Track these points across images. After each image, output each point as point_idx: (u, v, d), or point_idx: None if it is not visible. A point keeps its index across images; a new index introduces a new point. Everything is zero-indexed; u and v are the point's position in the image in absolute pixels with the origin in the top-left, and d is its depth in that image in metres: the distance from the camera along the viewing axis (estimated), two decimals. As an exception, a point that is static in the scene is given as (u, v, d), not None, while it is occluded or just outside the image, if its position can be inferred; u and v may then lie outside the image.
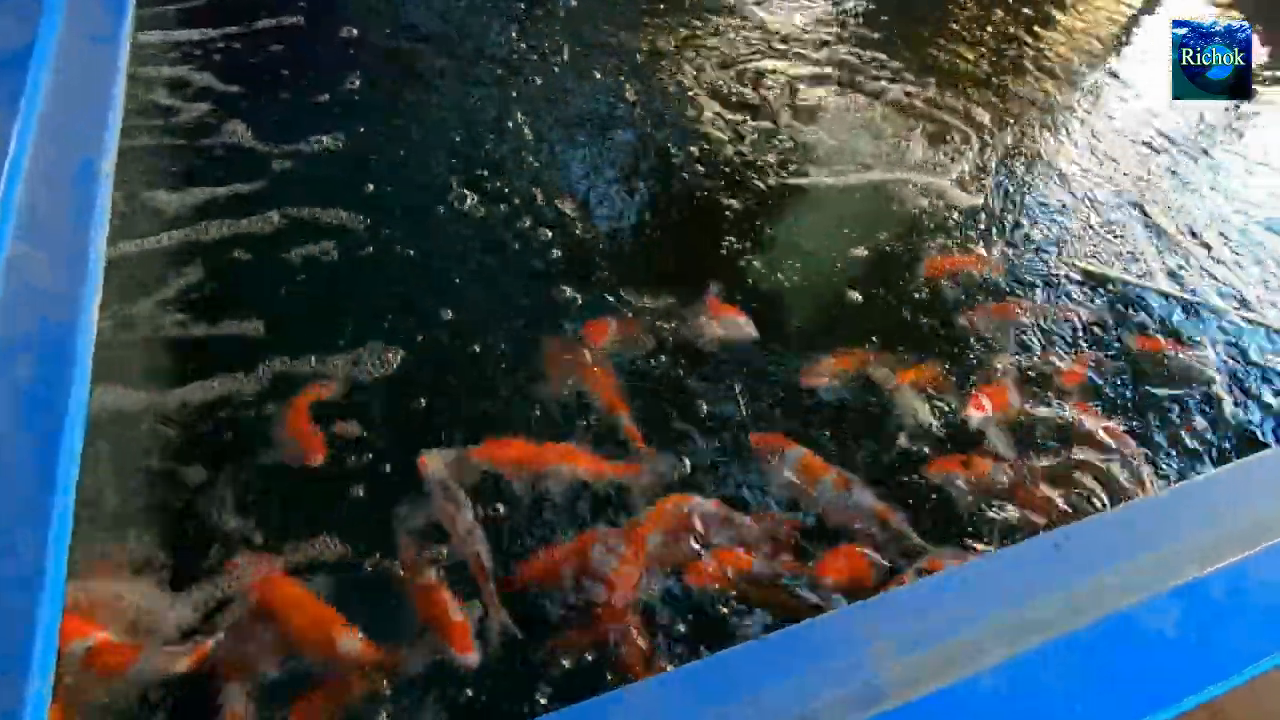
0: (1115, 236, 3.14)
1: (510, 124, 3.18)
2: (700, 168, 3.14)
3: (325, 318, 2.40)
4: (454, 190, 2.85)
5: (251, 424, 2.12)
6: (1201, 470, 2.33)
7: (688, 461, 2.15)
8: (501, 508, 1.99)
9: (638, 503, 2.03)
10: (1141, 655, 1.52)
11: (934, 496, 2.15)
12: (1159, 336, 2.75)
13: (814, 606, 1.84)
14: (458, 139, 3.09)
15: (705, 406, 2.29)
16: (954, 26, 4.28)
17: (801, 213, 3.05)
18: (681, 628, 1.81)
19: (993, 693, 1.42)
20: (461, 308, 2.47)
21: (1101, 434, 2.35)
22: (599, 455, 2.10)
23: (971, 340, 2.61)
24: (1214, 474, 2.07)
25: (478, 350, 2.37)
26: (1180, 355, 2.67)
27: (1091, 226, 3.18)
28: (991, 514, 2.13)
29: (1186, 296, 2.90)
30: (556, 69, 3.51)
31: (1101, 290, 2.89)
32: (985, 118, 3.66)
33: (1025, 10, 4.50)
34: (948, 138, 3.49)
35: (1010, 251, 2.99)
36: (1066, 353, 2.63)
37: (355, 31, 3.48)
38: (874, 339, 2.55)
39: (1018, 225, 3.12)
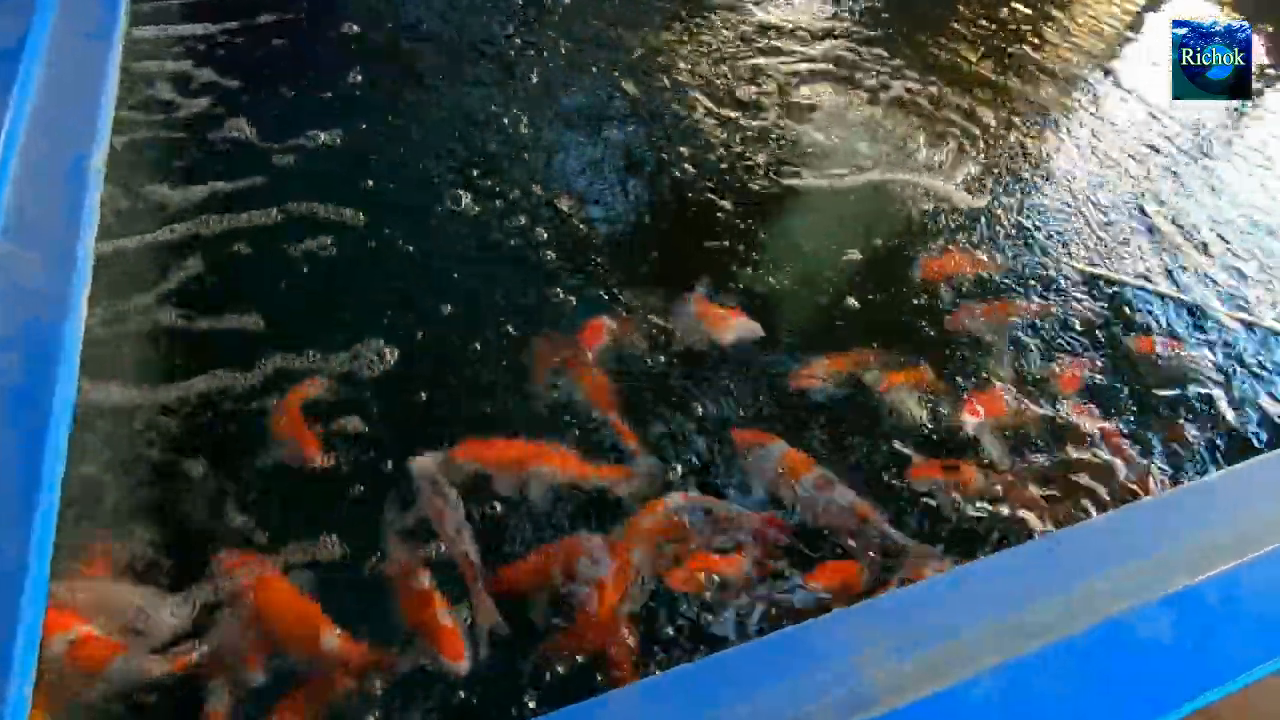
0: (1114, 237, 3.13)
1: (509, 121, 3.17)
2: (698, 167, 3.12)
3: (322, 314, 2.39)
4: (451, 188, 2.84)
5: (243, 420, 2.11)
6: (1199, 474, 2.31)
7: (674, 461, 2.14)
8: (490, 507, 1.98)
9: (624, 504, 2.02)
10: (1136, 661, 1.51)
11: (919, 499, 2.14)
12: (1156, 338, 2.73)
13: (801, 611, 1.83)
14: (456, 135, 3.08)
15: (694, 406, 2.28)
16: (954, 26, 4.26)
17: (797, 213, 3.03)
18: (669, 630, 1.80)
19: (983, 699, 1.41)
20: (456, 306, 2.46)
21: (1097, 437, 2.34)
22: (583, 457, 2.08)
23: (966, 342, 2.60)
24: (1210, 479, 2.05)
25: (471, 349, 2.36)
26: (1178, 357, 2.66)
27: (1091, 227, 3.16)
28: (978, 518, 2.11)
29: (1185, 298, 2.88)
30: (555, 66, 3.50)
31: (1098, 291, 2.88)
32: (985, 118, 3.64)
33: (1026, 10, 4.49)
34: (947, 138, 3.48)
35: (1007, 252, 2.97)
36: (1062, 355, 2.61)
37: (355, 27, 3.47)
38: (868, 340, 2.53)
39: (1015, 226, 3.11)
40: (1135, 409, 2.48)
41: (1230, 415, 2.51)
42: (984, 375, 2.49)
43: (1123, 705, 1.48)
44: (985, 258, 2.91)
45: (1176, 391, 2.56)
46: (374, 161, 2.89)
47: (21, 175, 2.06)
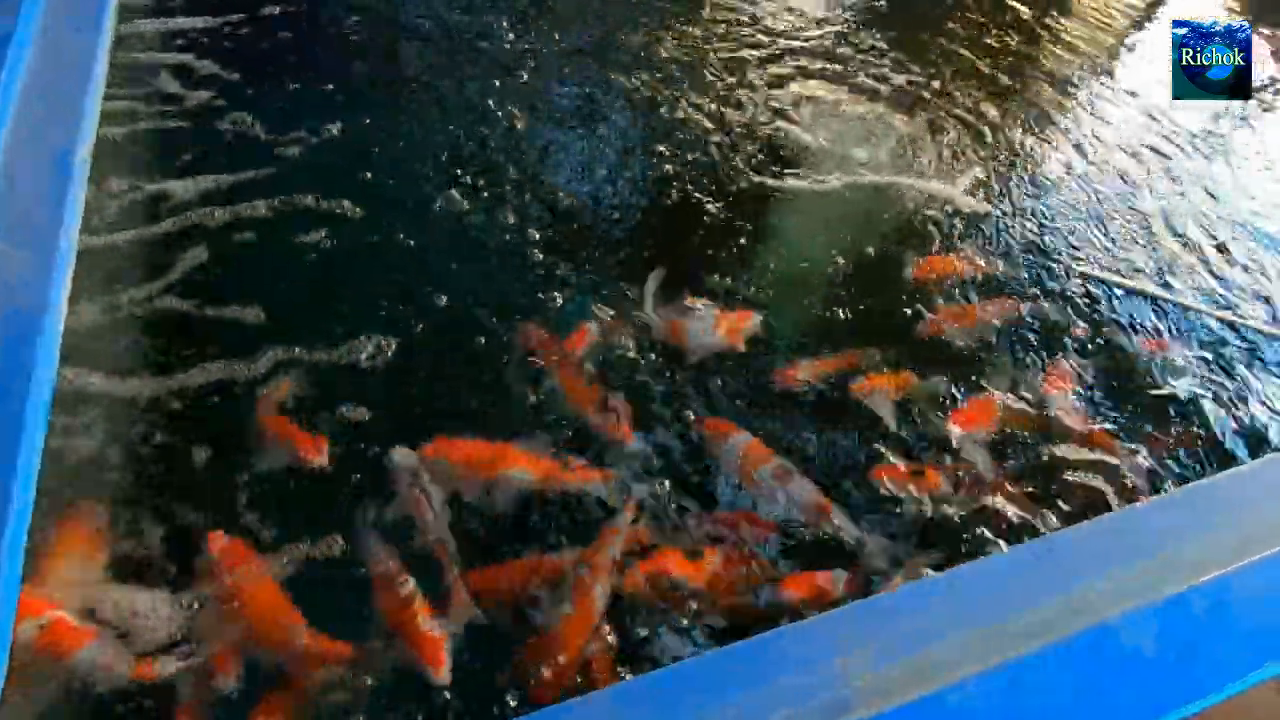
0: (1111, 239, 3.10)
1: (508, 119, 3.15)
2: (696, 167, 3.10)
3: (318, 305, 2.39)
4: (448, 184, 2.83)
5: (231, 413, 2.10)
6: (1188, 479, 2.28)
7: (651, 455, 2.13)
8: (462, 504, 1.97)
9: (598, 507, 2.01)
10: (1122, 668, 1.48)
11: (879, 498, 2.12)
12: (1151, 341, 2.70)
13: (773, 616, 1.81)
14: (453, 131, 3.06)
15: (675, 405, 2.27)
16: (955, 26, 4.23)
17: (793, 214, 3.01)
18: (642, 632, 1.78)
19: (965, 705, 1.38)
20: (448, 303, 2.45)
21: (1079, 442, 2.31)
22: (556, 459, 2.07)
23: (955, 343, 2.57)
24: (1200, 484, 2.03)
25: (461, 346, 2.35)
26: (1173, 360, 2.63)
27: (1087, 227, 3.13)
28: (936, 520, 2.09)
29: (1182, 301, 2.85)
30: (555, 64, 3.49)
31: (1093, 293, 2.85)
32: (984, 118, 3.61)
33: (1027, 10, 4.46)
34: (946, 139, 3.45)
35: (999, 254, 2.94)
36: (1054, 356, 2.58)
37: (357, 21, 3.46)
38: (859, 341, 2.51)
39: (1009, 227, 3.08)
40: (1123, 413, 2.45)
41: (1221, 420, 2.49)
42: (966, 379, 2.46)
43: (1109, 712, 1.47)
44: (978, 260, 2.88)
45: (1171, 396, 2.53)
46: (374, 156, 2.88)
47: (7, 166, 2.05)
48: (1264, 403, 2.57)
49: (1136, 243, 3.11)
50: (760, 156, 3.20)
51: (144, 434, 2.01)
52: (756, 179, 3.09)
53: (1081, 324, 2.72)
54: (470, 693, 1.65)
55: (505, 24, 3.61)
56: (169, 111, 2.87)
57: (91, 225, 2.39)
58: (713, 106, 3.39)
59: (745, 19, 3.96)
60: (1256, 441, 2.45)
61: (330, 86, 3.11)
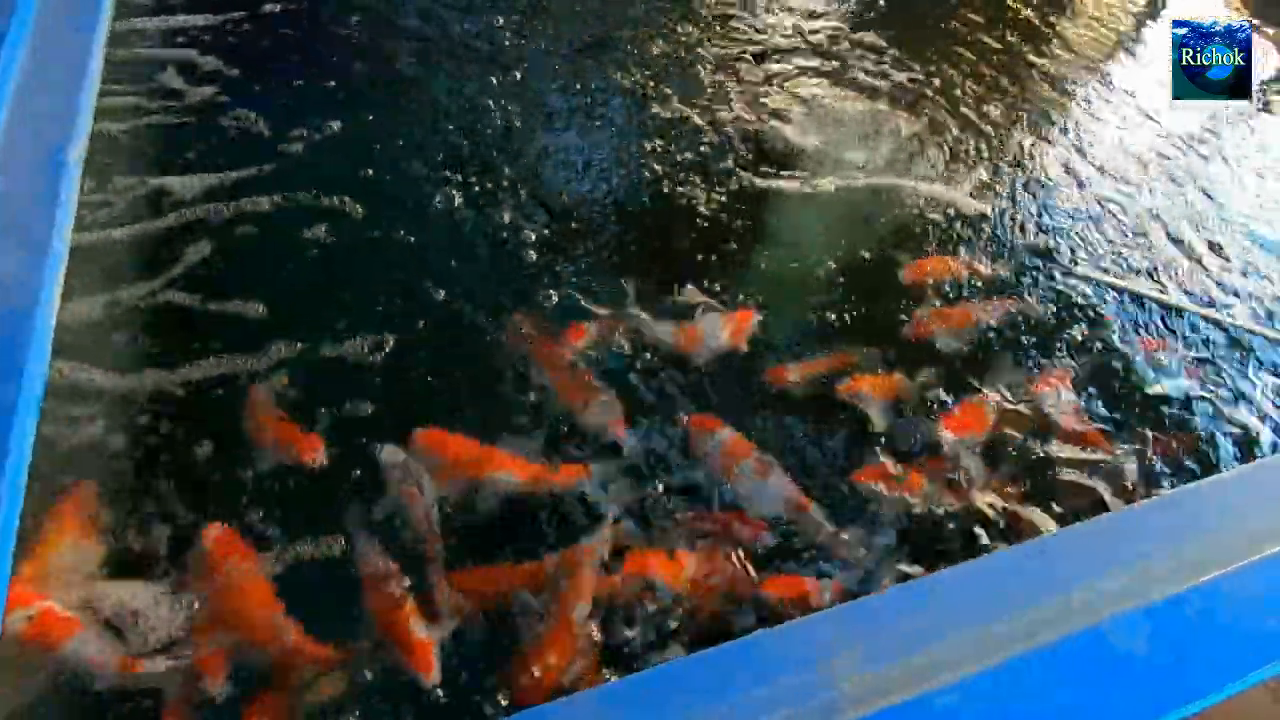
0: (1108, 239, 3.08)
1: (507, 118, 3.15)
2: (693, 167, 3.09)
3: (317, 303, 2.39)
4: (445, 182, 2.83)
5: (232, 406, 2.11)
6: (1181, 481, 2.27)
7: (643, 453, 2.13)
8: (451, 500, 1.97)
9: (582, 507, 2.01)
10: (1112, 671, 1.47)
11: (860, 500, 2.11)
12: (1150, 341, 2.69)
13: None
14: (452, 130, 3.06)
15: (663, 403, 2.26)
16: (955, 26, 4.21)
17: (788, 215, 3.00)
18: (628, 634, 1.77)
19: (953, 708, 1.37)
20: (443, 301, 2.45)
21: (1079, 439, 2.30)
22: (539, 460, 2.07)
23: (938, 347, 2.55)
24: (1193, 486, 2.01)
25: (459, 342, 2.35)
26: (1170, 361, 2.61)
27: (1082, 228, 3.11)
28: (917, 524, 2.08)
29: (1178, 303, 2.83)
30: (556, 63, 3.48)
31: (1087, 295, 2.83)
32: (983, 119, 3.59)
33: (1028, 9, 4.44)
34: (945, 139, 3.43)
35: (992, 255, 2.91)
36: (1047, 356, 2.57)
37: (358, 18, 3.46)
38: (849, 343, 2.51)
39: (1001, 228, 3.05)
40: (1116, 413, 2.43)
41: (1215, 422, 2.47)
42: (957, 379, 2.44)
43: (1101, 716, 1.46)
44: (971, 261, 2.86)
45: (1164, 399, 2.52)
46: (373, 153, 2.88)
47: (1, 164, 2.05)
48: (1258, 404, 2.55)
49: (1133, 244, 3.09)
50: (757, 156, 3.19)
51: (143, 427, 2.02)
52: (754, 179, 3.08)
53: (1076, 324, 2.70)
54: (458, 693, 1.66)
55: (506, 24, 3.61)
56: (172, 108, 2.87)
57: (95, 221, 2.41)
58: (712, 106, 3.38)
59: (745, 21, 3.95)
60: (1249, 444, 2.43)
61: (331, 84, 3.11)
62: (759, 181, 3.07)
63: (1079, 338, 2.66)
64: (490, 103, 3.19)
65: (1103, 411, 2.43)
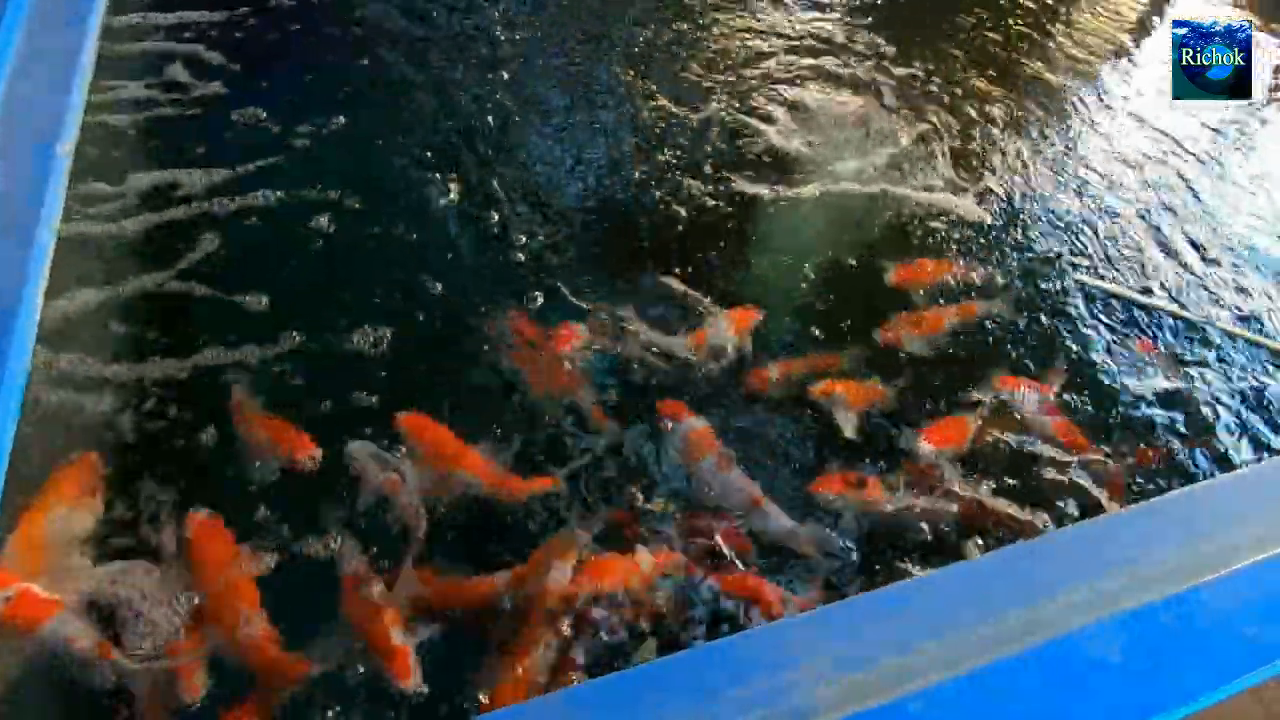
0: (1105, 240, 3.06)
1: (507, 117, 3.15)
2: (690, 167, 3.08)
3: (319, 297, 2.41)
4: (444, 181, 2.84)
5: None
6: (1165, 488, 2.25)
7: (627, 448, 2.14)
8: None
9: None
10: (1086, 679, 1.47)
11: (822, 506, 2.10)
12: (1141, 344, 2.67)
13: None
14: (452, 129, 3.07)
15: (642, 404, 2.26)
16: (954, 26, 4.18)
17: (782, 217, 2.99)
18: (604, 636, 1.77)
19: (924, 714, 1.37)
20: (438, 300, 2.46)
21: (1062, 445, 2.29)
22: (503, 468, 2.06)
23: (934, 346, 2.54)
24: (1175, 494, 2.00)
25: (456, 339, 2.36)
26: (1159, 366, 2.60)
27: (1078, 228, 3.09)
28: (875, 531, 2.07)
29: (1175, 310, 2.81)
30: (556, 63, 3.48)
31: (1079, 296, 2.81)
32: (982, 120, 3.57)
33: (1028, 10, 4.40)
34: (943, 140, 3.41)
35: (983, 258, 2.89)
36: (1038, 361, 2.55)
37: (361, 15, 3.46)
38: (838, 345, 2.50)
39: (991, 228, 3.02)
40: (1100, 419, 2.42)
41: (1208, 426, 2.46)
42: (934, 383, 2.44)
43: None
44: (959, 263, 2.84)
45: (1158, 406, 2.50)
46: (371, 152, 2.90)
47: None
48: (1252, 407, 2.53)
49: (1130, 246, 3.07)
50: (758, 155, 3.18)
51: (146, 415, 2.03)
52: (751, 180, 3.07)
53: (1065, 328, 2.69)
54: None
55: (506, 24, 3.61)
56: (178, 101, 2.88)
57: (100, 214, 2.41)
58: (714, 106, 3.37)
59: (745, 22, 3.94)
60: (1237, 450, 2.42)
61: (334, 82, 3.12)
62: (762, 181, 3.06)
63: (1067, 341, 2.64)
64: (491, 103, 3.19)
65: (1090, 415, 2.42)
